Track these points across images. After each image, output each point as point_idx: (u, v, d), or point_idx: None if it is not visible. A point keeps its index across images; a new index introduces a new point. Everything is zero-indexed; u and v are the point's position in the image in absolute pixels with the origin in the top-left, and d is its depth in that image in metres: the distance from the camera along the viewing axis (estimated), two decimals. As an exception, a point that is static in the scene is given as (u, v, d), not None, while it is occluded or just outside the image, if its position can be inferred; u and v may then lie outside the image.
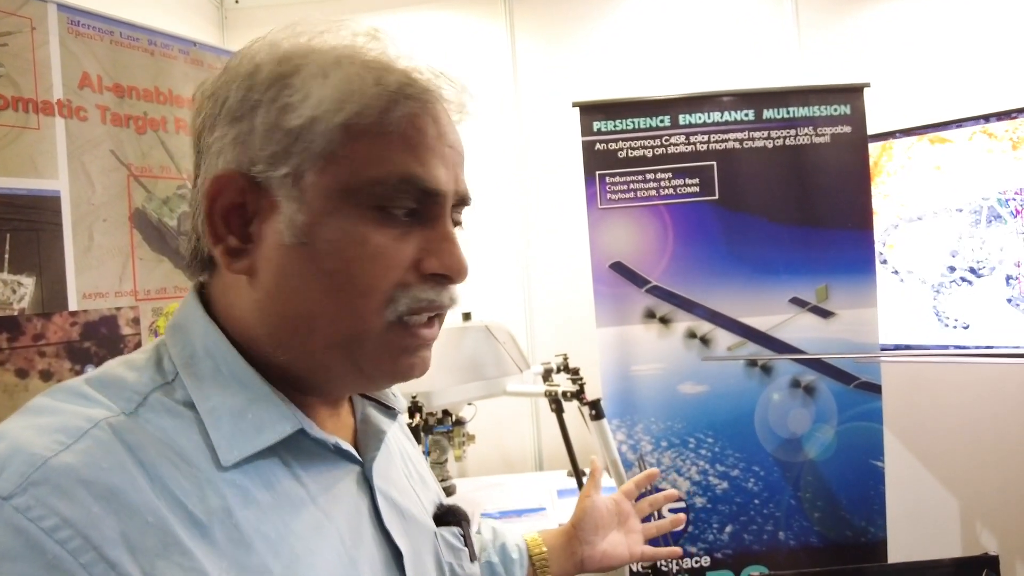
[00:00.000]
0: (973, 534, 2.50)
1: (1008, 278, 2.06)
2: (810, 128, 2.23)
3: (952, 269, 2.16)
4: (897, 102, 2.43)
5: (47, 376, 1.18)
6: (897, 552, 2.26)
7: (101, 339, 1.26)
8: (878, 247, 2.28)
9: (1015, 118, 2.03)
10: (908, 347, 2.28)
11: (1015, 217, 2.04)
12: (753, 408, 2.30)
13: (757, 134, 2.25)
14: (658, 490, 1.06)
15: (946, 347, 2.19)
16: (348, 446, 0.55)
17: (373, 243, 0.49)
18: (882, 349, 2.22)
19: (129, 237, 1.31)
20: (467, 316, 2.05)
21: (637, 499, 1.02)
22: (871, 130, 2.21)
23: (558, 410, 1.96)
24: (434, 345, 0.56)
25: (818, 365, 2.26)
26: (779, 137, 2.25)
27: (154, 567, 0.39)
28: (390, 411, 0.64)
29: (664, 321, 2.30)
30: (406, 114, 0.50)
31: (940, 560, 1.52)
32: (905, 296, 2.26)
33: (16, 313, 1.15)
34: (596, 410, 1.78)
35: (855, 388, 2.25)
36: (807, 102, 2.24)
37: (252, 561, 0.44)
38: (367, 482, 0.56)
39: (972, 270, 2.12)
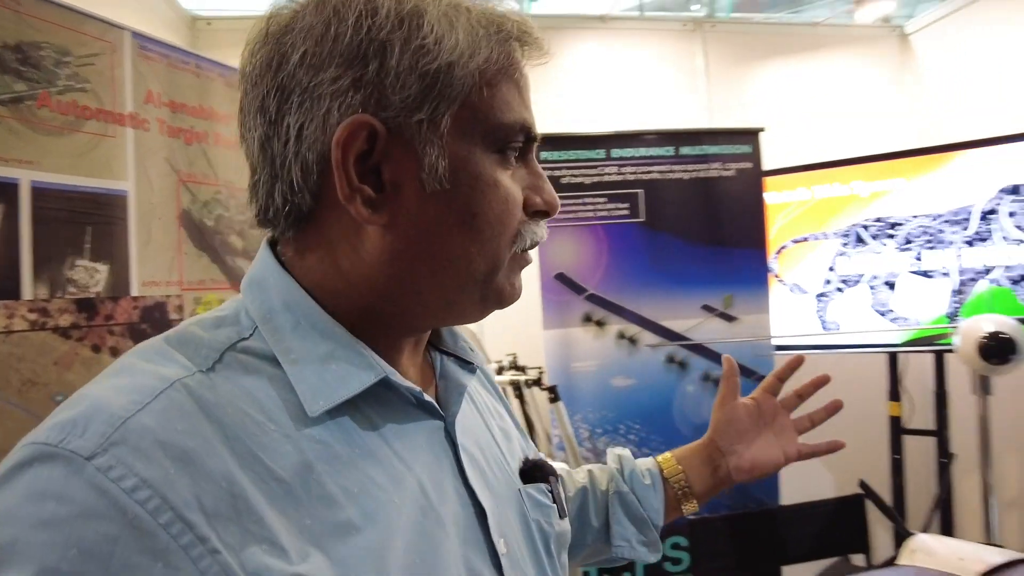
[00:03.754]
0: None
1: (871, 288, 2.58)
2: (719, 163, 2.68)
3: (828, 282, 2.66)
4: (788, 143, 2.95)
5: (116, 352, 1.34)
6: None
7: (154, 322, 1.43)
8: (772, 263, 2.75)
9: (878, 161, 2.57)
10: (798, 347, 2.76)
11: (874, 240, 2.57)
12: (672, 398, 2.69)
13: (676, 167, 2.67)
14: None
15: (828, 346, 2.69)
16: (431, 399, 0.54)
17: (504, 184, 0.51)
18: (776, 348, 2.68)
19: (177, 234, 1.49)
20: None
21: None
22: (766, 166, 2.69)
23: (520, 395, 2.25)
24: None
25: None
26: (693, 170, 2.68)
27: (227, 531, 0.39)
28: (468, 365, 0.62)
29: (599, 324, 2.65)
30: (520, 61, 0.52)
31: (826, 500, 1.96)
32: (795, 304, 2.74)
33: (93, 296, 1.32)
34: (554, 394, 2.10)
35: (754, 381, 2.69)
36: (716, 141, 2.69)
37: (336, 516, 0.44)
38: (449, 437, 0.55)
39: (844, 281, 2.63)
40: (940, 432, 2.61)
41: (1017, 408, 2.71)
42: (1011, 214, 2.35)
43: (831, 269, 2.65)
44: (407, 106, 0.47)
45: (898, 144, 2.71)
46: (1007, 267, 2.36)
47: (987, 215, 2.39)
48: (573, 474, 0.85)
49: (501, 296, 0.54)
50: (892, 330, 2.57)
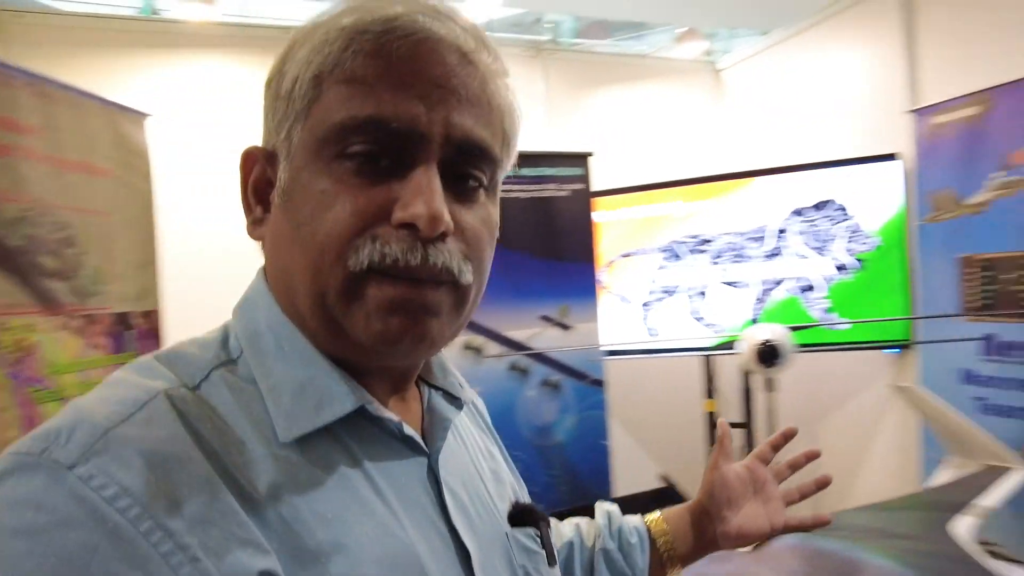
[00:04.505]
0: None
1: (688, 297, 2.87)
2: (554, 184, 2.87)
3: (651, 292, 2.92)
4: (618, 166, 3.21)
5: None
6: (620, 510, 2.94)
7: (-52, 350, 1.32)
8: (601, 276, 2.98)
9: (691, 184, 2.87)
10: (626, 352, 3.01)
11: (690, 254, 2.87)
12: (515, 403, 2.84)
13: (516, 187, 2.82)
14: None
15: (652, 350, 2.96)
16: (414, 433, 0.52)
17: (332, 191, 0.46)
18: (606, 354, 2.91)
19: (-24, 256, 1.38)
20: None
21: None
22: (598, 187, 2.91)
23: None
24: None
25: (561, 367, 2.87)
26: (532, 190, 2.85)
27: (209, 536, 0.39)
28: (456, 400, 0.59)
29: (445, 335, 2.74)
30: (364, 51, 0.46)
31: (643, 492, 2.18)
32: (623, 313, 2.98)
33: None
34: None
35: (587, 384, 2.90)
36: (552, 163, 2.88)
37: (306, 542, 0.43)
38: (433, 475, 0.53)
39: (666, 291, 2.91)
40: (747, 424, 2.95)
41: (801, 400, 3.13)
42: (799, 233, 2.72)
43: (653, 281, 2.92)
44: (276, 129, 0.49)
45: (712, 168, 3.04)
46: (797, 278, 2.73)
47: (780, 233, 2.75)
48: (560, 527, 0.83)
49: (364, 329, 0.47)
50: (705, 336, 2.87)
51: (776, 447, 0.88)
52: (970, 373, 2.27)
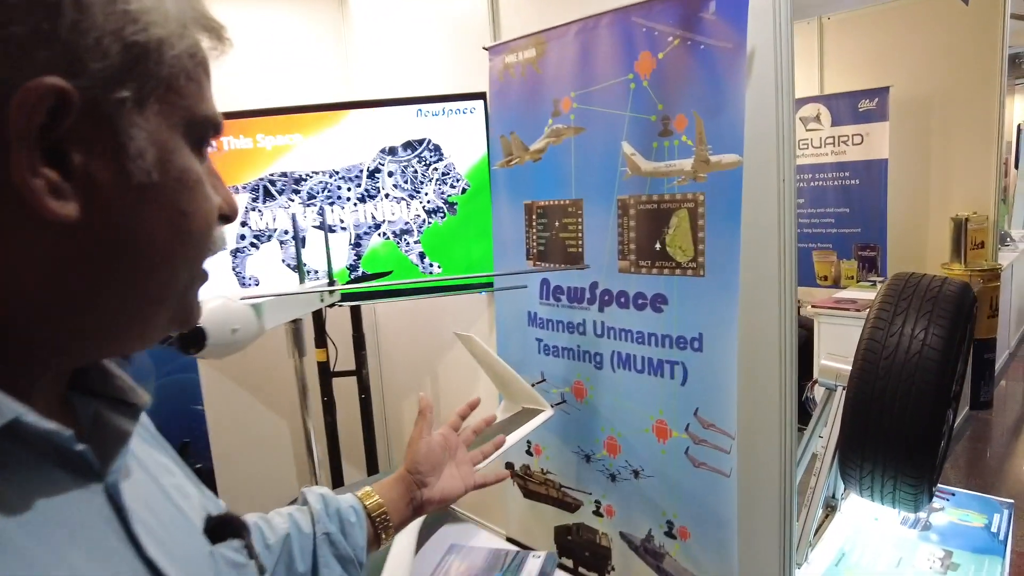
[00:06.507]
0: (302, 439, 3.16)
1: (281, 243, 2.61)
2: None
3: (243, 237, 2.61)
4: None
5: None
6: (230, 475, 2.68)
7: None
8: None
9: (272, 116, 2.56)
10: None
11: (281, 195, 2.59)
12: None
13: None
14: None
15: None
16: (87, 450, 0.41)
17: (205, 181, 0.46)
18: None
19: None
20: None
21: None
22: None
23: None
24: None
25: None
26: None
27: None
28: (129, 408, 0.49)
29: None
30: (204, 53, 0.46)
31: None
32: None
33: None
34: None
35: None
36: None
37: None
38: (113, 503, 0.43)
39: (257, 237, 2.61)
40: (359, 371, 2.85)
41: (425, 339, 3.12)
42: (390, 174, 2.57)
43: (244, 224, 2.60)
44: (108, 78, 0.38)
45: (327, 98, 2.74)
46: (391, 222, 2.60)
47: (373, 173, 2.57)
48: (272, 521, 0.80)
49: (191, 314, 0.48)
50: (318, 289, 2.65)
51: (463, 416, 1.01)
52: (533, 315, 2.34)
